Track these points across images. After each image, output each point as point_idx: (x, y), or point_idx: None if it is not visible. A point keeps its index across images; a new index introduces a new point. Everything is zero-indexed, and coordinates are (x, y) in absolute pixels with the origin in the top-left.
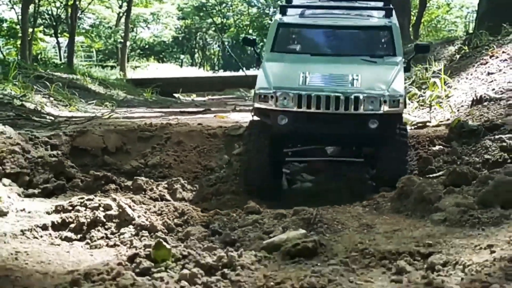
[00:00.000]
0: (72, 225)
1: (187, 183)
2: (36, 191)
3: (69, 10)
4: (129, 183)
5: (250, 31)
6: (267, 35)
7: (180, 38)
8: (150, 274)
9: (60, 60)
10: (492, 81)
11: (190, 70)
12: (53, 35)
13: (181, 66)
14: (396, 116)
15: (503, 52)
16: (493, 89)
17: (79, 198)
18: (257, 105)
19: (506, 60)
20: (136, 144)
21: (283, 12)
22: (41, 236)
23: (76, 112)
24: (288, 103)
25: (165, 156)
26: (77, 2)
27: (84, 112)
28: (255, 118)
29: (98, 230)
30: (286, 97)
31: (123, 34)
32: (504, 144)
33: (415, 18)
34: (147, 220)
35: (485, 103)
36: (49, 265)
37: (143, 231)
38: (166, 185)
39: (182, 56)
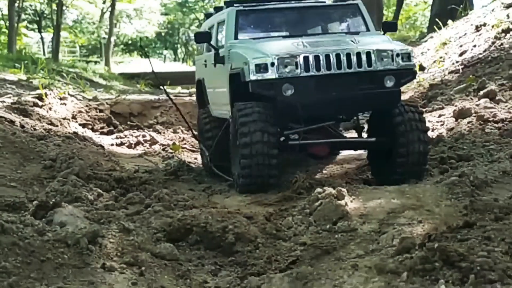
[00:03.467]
0: (126, 144)
1: (184, 130)
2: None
3: (53, 5)
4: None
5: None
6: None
7: (163, 34)
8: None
9: (44, 55)
10: None
11: (175, 65)
12: (36, 30)
13: (164, 61)
14: (410, 73)
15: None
16: None
17: (128, 132)
18: (253, 77)
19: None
20: (150, 110)
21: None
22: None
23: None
24: (294, 69)
25: (169, 117)
26: None
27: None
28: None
29: (140, 146)
30: (290, 62)
31: (107, 30)
32: None
33: (393, 15)
34: (164, 141)
35: None
36: (123, 153)
37: (164, 146)
38: (172, 130)
39: (165, 52)
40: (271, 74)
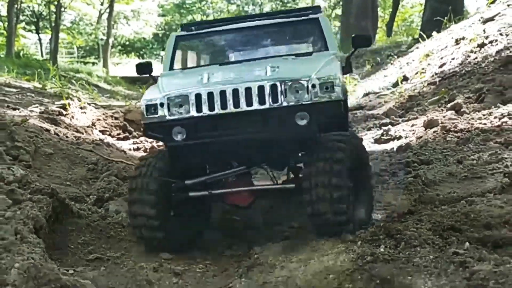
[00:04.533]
0: (142, 149)
1: None
2: (115, 139)
3: (51, 7)
4: None
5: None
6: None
7: (160, 35)
8: None
9: (42, 56)
10: (383, 81)
11: None
12: (34, 31)
13: (161, 62)
14: (333, 107)
15: (398, 61)
16: (379, 87)
17: (143, 138)
18: (144, 119)
19: (396, 67)
20: None
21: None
22: (131, 150)
23: (104, 102)
24: (184, 109)
25: None
26: (61, 0)
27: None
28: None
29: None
30: (182, 102)
31: (104, 31)
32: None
33: (389, 17)
34: None
35: (370, 95)
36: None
37: None
38: None
39: (162, 53)
40: (161, 116)
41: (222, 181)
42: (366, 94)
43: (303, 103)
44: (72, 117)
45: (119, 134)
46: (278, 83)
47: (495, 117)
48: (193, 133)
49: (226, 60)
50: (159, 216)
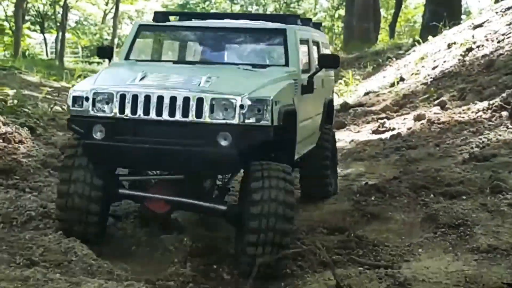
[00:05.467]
0: None
1: None
2: None
3: (57, 7)
4: None
5: None
6: None
7: None
8: None
9: (47, 56)
10: (382, 81)
11: None
12: (39, 31)
13: None
14: (261, 133)
15: (396, 63)
16: (378, 86)
17: None
18: (70, 109)
19: (394, 68)
20: None
21: (157, 20)
22: None
23: None
24: (106, 106)
25: None
26: (67, 1)
27: None
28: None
29: None
30: (107, 100)
31: (109, 31)
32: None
33: (391, 18)
34: None
35: (370, 94)
36: None
37: None
38: None
39: None
40: (86, 110)
41: (145, 183)
42: (367, 93)
43: (228, 122)
44: None
45: None
46: (204, 97)
47: (472, 112)
48: (111, 134)
49: (182, 59)
50: (100, 212)
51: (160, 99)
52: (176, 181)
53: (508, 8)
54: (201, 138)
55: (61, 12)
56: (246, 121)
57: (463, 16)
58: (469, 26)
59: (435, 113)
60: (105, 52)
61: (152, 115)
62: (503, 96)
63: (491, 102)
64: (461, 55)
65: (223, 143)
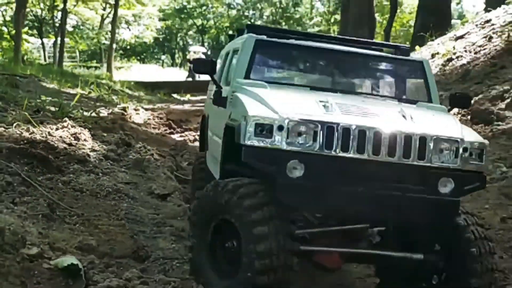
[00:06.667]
0: (188, 139)
1: None
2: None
3: (55, 12)
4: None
5: (230, 32)
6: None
7: (161, 39)
8: None
9: (45, 60)
10: None
11: (174, 72)
12: (37, 36)
13: (162, 66)
14: (478, 179)
15: None
16: None
17: (186, 132)
18: (248, 141)
19: None
20: (193, 117)
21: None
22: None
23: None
24: (309, 140)
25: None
26: (66, 6)
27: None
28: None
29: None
30: (305, 131)
31: (106, 36)
32: None
33: (387, 22)
34: None
35: None
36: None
37: None
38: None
39: (163, 57)
40: (276, 142)
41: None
42: None
43: (451, 166)
44: (130, 117)
45: (165, 130)
46: (427, 137)
47: None
48: (315, 173)
49: (315, 85)
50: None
51: (376, 135)
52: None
53: (487, 21)
54: (422, 184)
55: (59, 17)
56: (469, 166)
57: (458, 21)
58: (451, 38)
59: None
60: (204, 65)
61: (367, 154)
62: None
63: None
64: (442, 64)
65: (444, 190)
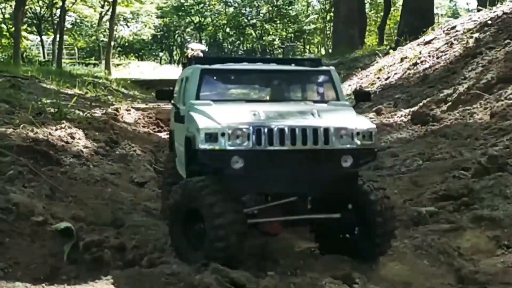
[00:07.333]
0: None
1: None
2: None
3: (54, 9)
4: None
5: (227, 29)
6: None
7: (159, 36)
8: None
9: (44, 58)
10: (346, 90)
11: (171, 69)
12: (36, 33)
13: (160, 63)
14: (370, 154)
15: (361, 73)
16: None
17: None
18: (202, 146)
19: (358, 78)
20: None
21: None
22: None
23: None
24: (244, 140)
25: None
26: (65, 4)
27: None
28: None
29: None
30: (242, 134)
31: (105, 33)
32: None
33: (380, 20)
34: None
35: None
36: None
37: None
38: None
39: (161, 54)
40: (221, 145)
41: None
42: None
43: (349, 147)
44: (122, 117)
45: (154, 128)
46: (330, 128)
47: (397, 117)
48: (250, 164)
49: (249, 99)
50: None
51: (293, 131)
52: (286, 203)
53: (452, 28)
54: (329, 162)
55: (57, 14)
56: (361, 144)
57: (451, 19)
58: (420, 42)
59: (370, 118)
60: (164, 93)
61: (287, 145)
62: (420, 105)
63: (412, 109)
64: (408, 68)
65: (345, 164)
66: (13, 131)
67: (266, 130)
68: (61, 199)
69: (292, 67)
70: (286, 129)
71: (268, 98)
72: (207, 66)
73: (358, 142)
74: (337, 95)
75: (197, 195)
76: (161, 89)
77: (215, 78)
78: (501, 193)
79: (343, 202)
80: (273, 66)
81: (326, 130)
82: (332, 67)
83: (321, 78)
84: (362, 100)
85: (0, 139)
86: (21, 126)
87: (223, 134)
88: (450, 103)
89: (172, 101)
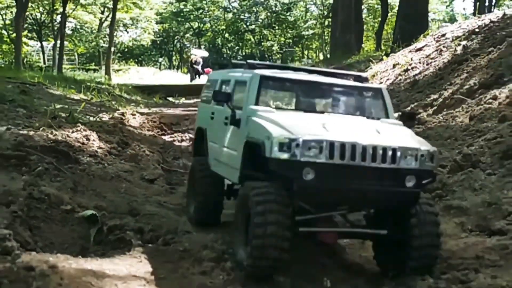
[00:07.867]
0: (176, 140)
1: None
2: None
3: (54, 15)
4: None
5: (226, 35)
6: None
7: (158, 42)
8: None
9: (44, 63)
10: None
11: (171, 74)
12: (36, 39)
13: (159, 68)
14: (431, 175)
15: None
16: None
17: (175, 134)
18: (274, 154)
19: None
20: (183, 121)
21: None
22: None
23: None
24: (316, 152)
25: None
26: (65, 10)
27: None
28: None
29: (185, 142)
30: (314, 146)
31: (105, 39)
32: None
33: (378, 25)
34: None
35: None
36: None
37: None
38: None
39: (160, 59)
40: (294, 155)
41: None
42: None
43: (413, 168)
44: (128, 121)
45: (158, 131)
46: (397, 148)
47: None
48: (321, 176)
49: (307, 109)
50: (290, 239)
51: (364, 149)
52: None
53: (442, 35)
54: (394, 180)
55: (58, 20)
56: (424, 166)
57: (448, 24)
58: (412, 49)
59: None
60: (223, 96)
61: (357, 161)
62: (408, 109)
63: (399, 113)
64: (399, 74)
65: (409, 184)
66: (34, 133)
67: (339, 145)
68: (83, 192)
69: (349, 81)
70: (357, 145)
71: (322, 109)
72: (266, 73)
73: (422, 163)
74: (387, 113)
75: (249, 199)
76: (219, 92)
77: (272, 85)
78: (470, 186)
79: (397, 220)
80: (329, 79)
81: (394, 149)
82: (383, 85)
83: (373, 95)
84: (407, 120)
85: (25, 140)
86: (41, 129)
87: (297, 145)
88: (435, 107)
89: (230, 104)
